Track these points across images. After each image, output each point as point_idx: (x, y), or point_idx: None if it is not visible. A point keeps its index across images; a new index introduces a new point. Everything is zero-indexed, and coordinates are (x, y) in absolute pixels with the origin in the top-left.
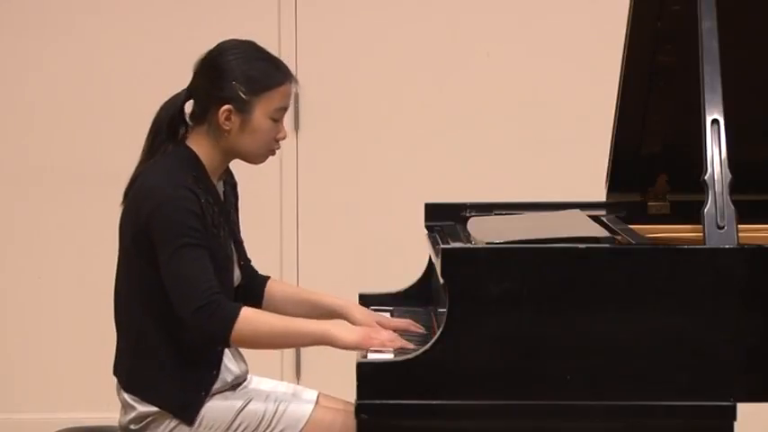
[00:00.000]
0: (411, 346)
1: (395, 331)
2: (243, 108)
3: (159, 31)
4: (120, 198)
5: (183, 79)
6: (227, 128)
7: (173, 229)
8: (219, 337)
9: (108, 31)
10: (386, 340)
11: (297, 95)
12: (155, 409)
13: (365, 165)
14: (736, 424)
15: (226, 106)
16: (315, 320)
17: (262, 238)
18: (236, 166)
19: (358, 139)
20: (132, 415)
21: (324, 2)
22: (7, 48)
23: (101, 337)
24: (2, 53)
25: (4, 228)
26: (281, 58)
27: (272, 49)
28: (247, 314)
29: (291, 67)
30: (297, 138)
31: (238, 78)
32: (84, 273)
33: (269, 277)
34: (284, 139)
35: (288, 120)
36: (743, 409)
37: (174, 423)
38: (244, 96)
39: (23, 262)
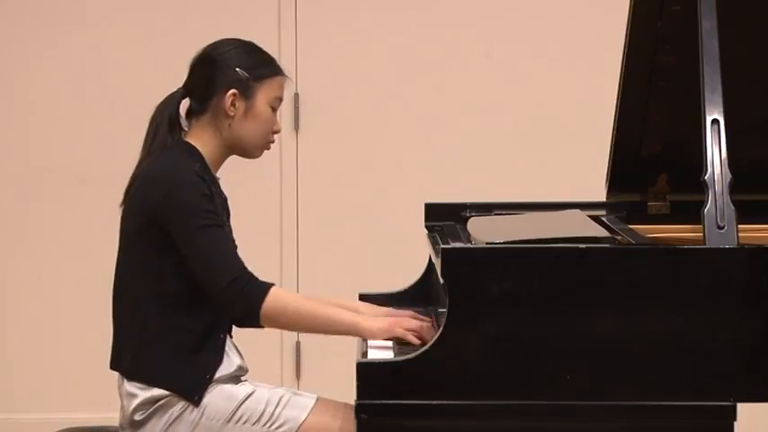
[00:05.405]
0: (430, 340)
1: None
2: (247, 93)
3: (159, 31)
4: (120, 198)
5: (183, 79)
6: (232, 114)
7: (190, 213)
8: (251, 310)
9: (108, 31)
10: (413, 327)
11: (297, 95)
12: (161, 392)
13: (365, 165)
14: (736, 424)
15: (231, 90)
16: (345, 310)
17: (262, 238)
18: (236, 168)
19: (358, 140)
20: (137, 402)
21: (324, 2)
22: (7, 48)
23: (100, 337)
24: (2, 53)
25: (4, 228)
26: (282, 58)
27: (272, 48)
28: (278, 291)
29: (291, 67)
30: (297, 138)
31: (241, 64)
32: (84, 273)
33: (272, 284)
34: (279, 132)
35: (288, 120)
36: (743, 409)
37: (179, 407)
38: (247, 81)
39: (24, 262)
